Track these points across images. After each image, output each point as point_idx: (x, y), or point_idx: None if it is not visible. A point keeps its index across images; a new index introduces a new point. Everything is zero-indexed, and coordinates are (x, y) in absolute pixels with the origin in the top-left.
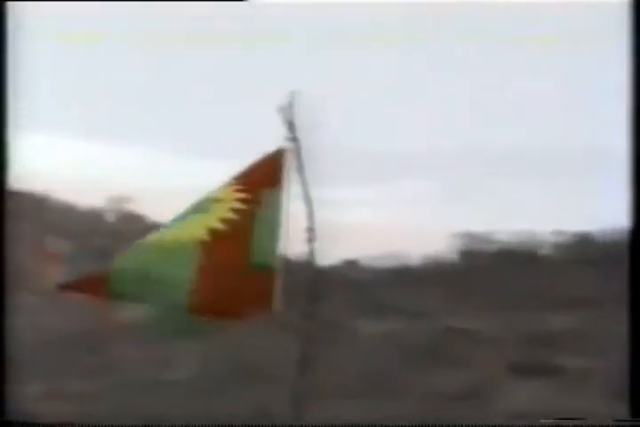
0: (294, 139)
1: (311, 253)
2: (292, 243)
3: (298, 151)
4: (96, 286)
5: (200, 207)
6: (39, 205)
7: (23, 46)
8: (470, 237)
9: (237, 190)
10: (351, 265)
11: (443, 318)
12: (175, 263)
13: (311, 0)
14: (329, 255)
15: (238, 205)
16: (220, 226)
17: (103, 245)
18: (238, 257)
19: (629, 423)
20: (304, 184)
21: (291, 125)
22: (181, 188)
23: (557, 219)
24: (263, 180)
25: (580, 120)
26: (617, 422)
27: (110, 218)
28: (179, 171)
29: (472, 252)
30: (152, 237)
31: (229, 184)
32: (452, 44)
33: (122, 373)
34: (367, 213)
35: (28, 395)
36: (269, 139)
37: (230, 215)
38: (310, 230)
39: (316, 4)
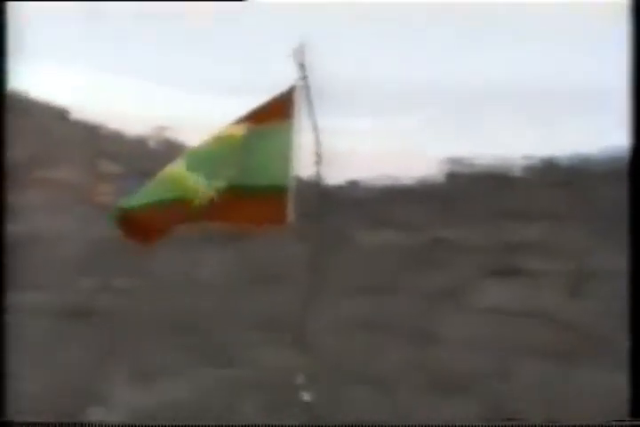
0: (304, 77)
1: (318, 174)
2: (302, 166)
3: (307, 88)
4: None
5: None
6: (93, 133)
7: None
8: (454, 161)
9: (243, 126)
10: (353, 185)
11: (430, 229)
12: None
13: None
14: (334, 177)
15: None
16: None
17: (148, 167)
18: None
19: (629, 424)
20: (312, 115)
21: (301, 66)
22: (215, 119)
23: (528, 145)
24: (275, 113)
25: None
26: (617, 423)
27: (153, 144)
28: (212, 105)
29: (455, 174)
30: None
31: (236, 122)
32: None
33: (153, 273)
34: (367, 141)
35: (83, 286)
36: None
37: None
38: (317, 155)
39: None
